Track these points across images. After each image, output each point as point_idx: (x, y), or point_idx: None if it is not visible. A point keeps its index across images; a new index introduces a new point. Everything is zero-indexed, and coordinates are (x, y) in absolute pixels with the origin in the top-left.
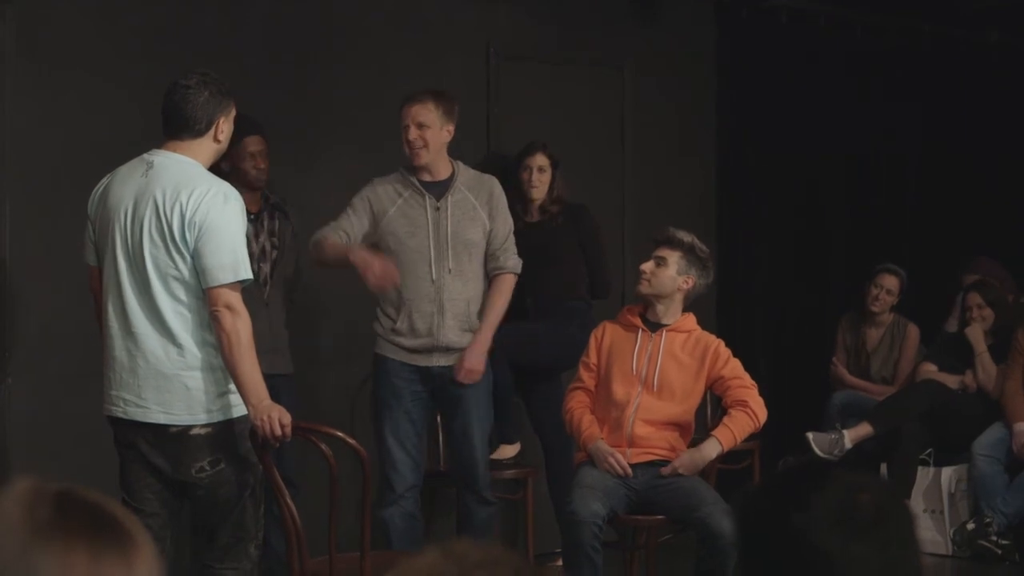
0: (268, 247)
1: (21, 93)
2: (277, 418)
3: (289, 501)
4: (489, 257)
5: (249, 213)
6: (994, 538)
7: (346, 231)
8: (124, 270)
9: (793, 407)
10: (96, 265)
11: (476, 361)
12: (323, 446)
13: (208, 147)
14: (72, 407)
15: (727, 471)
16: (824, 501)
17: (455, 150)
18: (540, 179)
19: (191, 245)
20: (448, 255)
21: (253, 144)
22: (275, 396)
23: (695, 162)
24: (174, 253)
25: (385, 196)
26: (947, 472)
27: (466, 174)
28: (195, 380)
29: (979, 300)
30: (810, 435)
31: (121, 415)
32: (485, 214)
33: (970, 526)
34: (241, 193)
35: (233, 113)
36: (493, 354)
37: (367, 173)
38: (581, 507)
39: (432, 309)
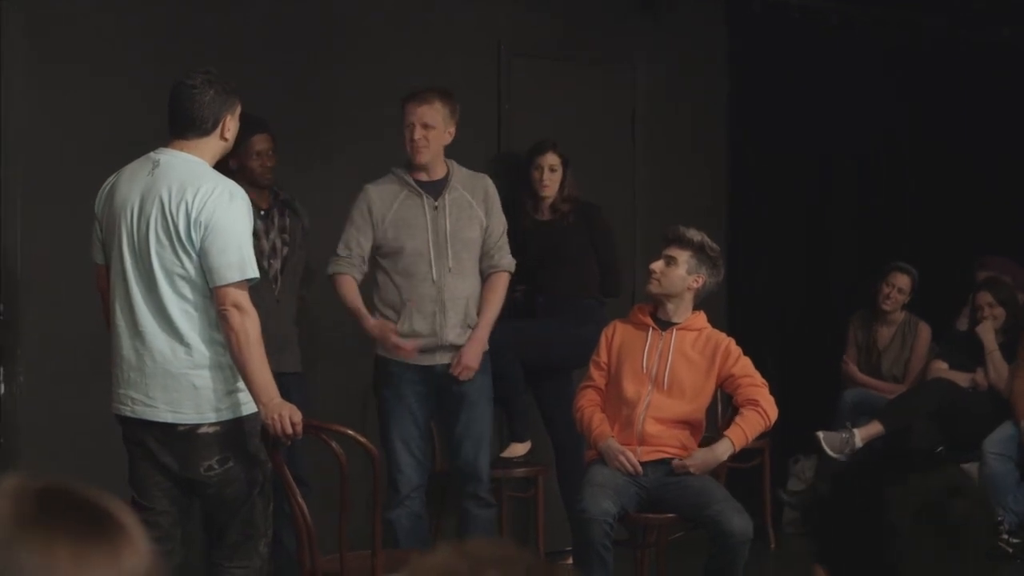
0: (278, 244)
1: (29, 91)
2: (288, 416)
3: (300, 499)
4: (483, 255)
5: (259, 210)
6: (1005, 536)
7: (356, 263)
8: (130, 269)
9: (804, 405)
10: (103, 264)
11: (472, 358)
12: (334, 444)
13: (215, 145)
14: (81, 405)
15: (737, 469)
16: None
17: (467, 148)
18: (551, 178)
19: (197, 244)
20: (448, 254)
21: (260, 142)
22: (285, 394)
23: (706, 159)
24: (180, 252)
25: (381, 200)
26: None
27: (460, 173)
28: (203, 379)
29: (990, 299)
30: (820, 434)
31: (129, 414)
32: (482, 212)
33: None
34: (249, 191)
35: (239, 111)
36: (498, 354)
37: (371, 172)
38: (592, 505)
39: (434, 309)
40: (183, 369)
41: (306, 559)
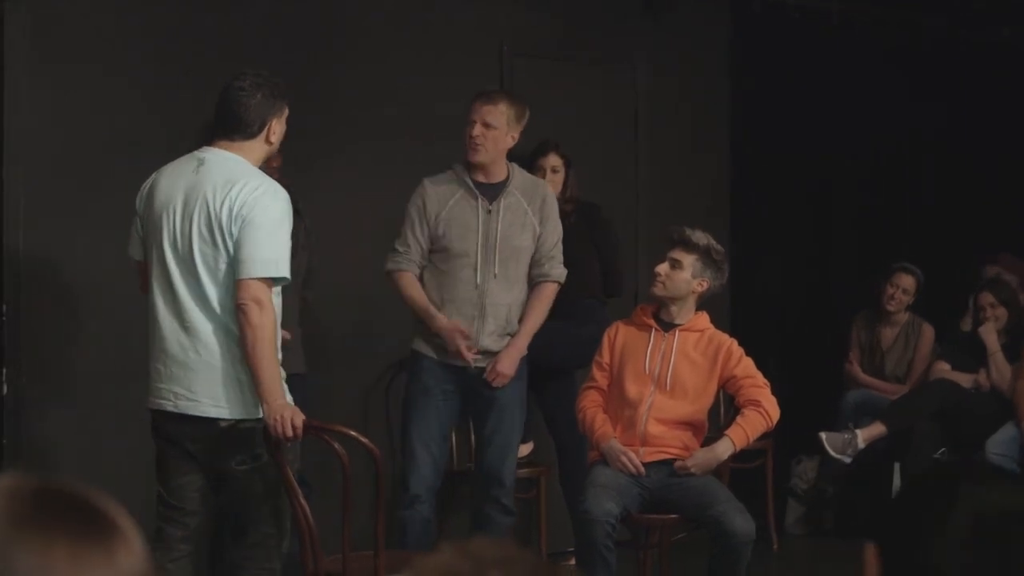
0: None
1: (30, 91)
2: (290, 418)
3: (302, 500)
4: (534, 263)
5: None
6: None
7: (416, 259)
8: (174, 265)
9: (806, 406)
10: (141, 259)
11: (508, 366)
12: (337, 445)
13: (259, 148)
14: (81, 405)
15: (739, 470)
16: (1002, 489)
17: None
18: (553, 179)
19: (236, 237)
20: (494, 260)
21: None
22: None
23: (708, 159)
24: (222, 248)
25: (437, 197)
26: None
27: (520, 177)
28: (248, 374)
29: (992, 299)
30: (823, 435)
31: (172, 408)
32: (537, 220)
33: None
34: None
35: (286, 114)
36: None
37: (375, 172)
38: (594, 506)
39: (474, 313)
40: (230, 364)
41: (309, 560)
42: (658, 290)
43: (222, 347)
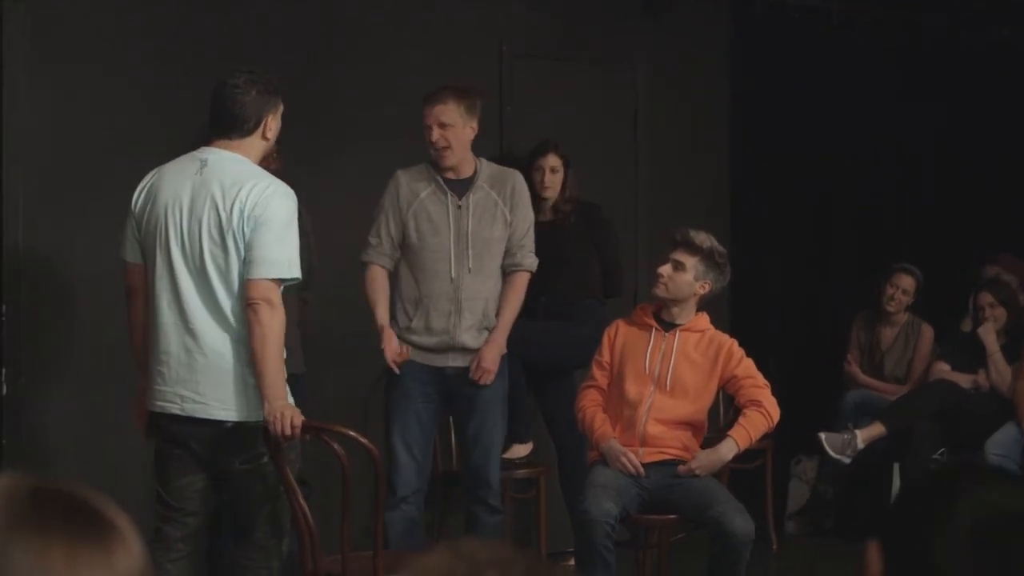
0: None
1: (30, 91)
2: (290, 417)
3: (301, 500)
4: (506, 253)
5: None
6: None
7: (387, 251)
8: (180, 266)
9: (806, 406)
10: (135, 261)
11: (491, 361)
12: (336, 445)
13: (257, 145)
14: (81, 405)
15: (739, 470)
16: (1004, 489)
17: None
18: (552, 179)
19: (248, 237)
20: (468, 254)
21: None
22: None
23: (708, 159)
24: (231, 249)
25: (409, 189)
26: None
27: (488, 170)
28: (254, 376)
29: (991, 299)
30: (822, 435)
31: (178, 411)
32: (507, 209)
33: None
34: None
35: (281, 110)
36: (505, 357)
37: (375, 172)
38: (594, 506)
39: (450, 308)
40: (237, 365)
41: (308, 560)
42: (660, 291)
43: (229, 349)
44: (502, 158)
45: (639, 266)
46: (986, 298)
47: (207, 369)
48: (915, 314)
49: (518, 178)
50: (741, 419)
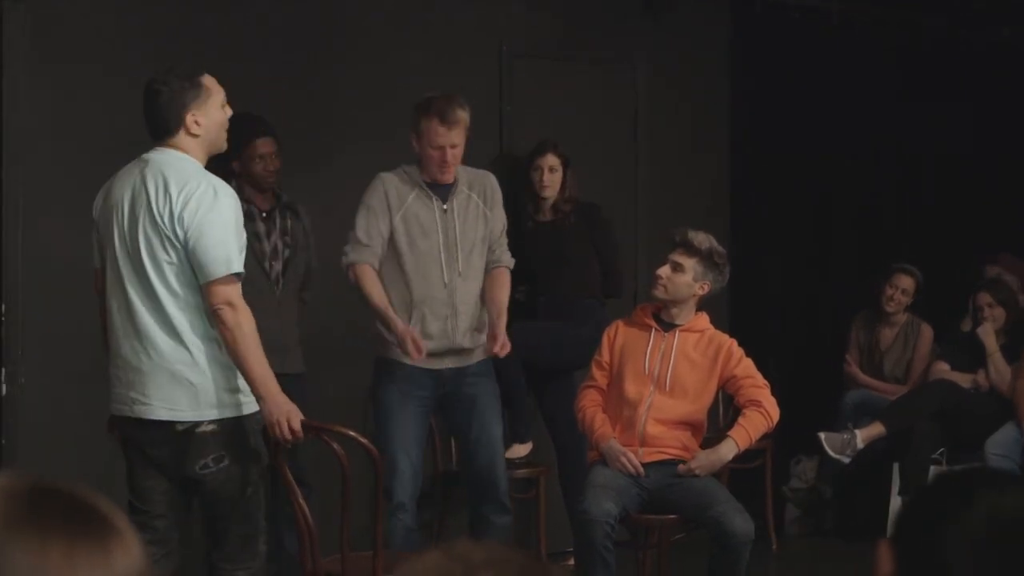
0: (280, 246)
1: (30, 91)
2: (286, 423)
3: (301, 501)
4: (487, 251)
5: (260, 212)
6: None
7: (378, 252)
8: (125, 268)
9: (805, 406)
10: (100, 267)
11: (504, 337)
12: (336, 446)
13: (189, 142)
14: (81, 405)
15: (739, 470)
16: (1017, 492)
17: (468, 149)
18: (551, 179)
19: (183, 240)
20: (458, 257)
21: (264, 146)
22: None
23: (708, 159)
24: (168, 247)
25: (397, 192)
26: None
27: (465, 173)
28: (201, 376)
29: (989, 299)
30: (822, 435)
31: (128, 413)
32: (488, 209)
33: None
34: (251, 193)
35: (210, 100)
36: (505, 357)
37: (374, 172)
38: (593, 506)
39: (447, 312)
40: (181, 366)
41: (308, 560)
42: (659, 293)
43: (170, 349)
44: (502, 158)
45: (639, 266)
46: (985, 298)
47: (152, 371)
48: (914, 314)
49: (492, 178)
50: (741, 419)
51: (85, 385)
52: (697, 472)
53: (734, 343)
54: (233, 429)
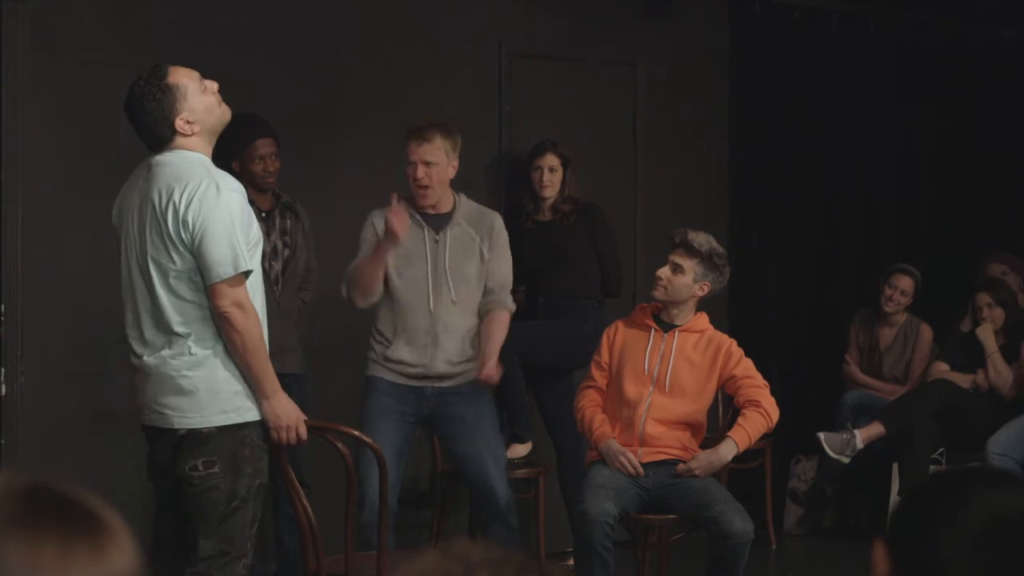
0: (280, 246)
1: (34, 89)
2: (294, 429)
3: (304, 500)
4: (488, 292)
5: (260, 212)
6: None
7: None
8: (136, 275)
9: (805, 407)
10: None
11: (494, 367)
12: (340, 445)
13: (189, 141)
14: (81, 405)
15: (738, 470)
16: (1016, 491)
17: (468, 150)
18: (551, 179)
19: (188, 243)
20: (448, 287)
21: (264, 147)
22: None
23: (708, 160)
24: (172, 252)
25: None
26: None
27: (467, 207)
28: (201, 381)
29: (989, 299)
30: (821, 435)
31: (147, 423)
32: (486, 247)
33: None
34: (250, 193)
35: (188, 94)
36: (501, 358)
37: (375, 172)
38: (593, 506)
39: (426, 341)
40: (186, 372)
41: (311, 560)
42: (659, 294)
43: (177, 357)
44: (502, 158)
45: (638, 266)
46: (984, 298)
47: (160, 378)
48: (914, 314)
49: (497, 219)
50: (740, 419)
51: (85, 385)
52: (696, 472)
53: (733, 343)
54: (228, 437)
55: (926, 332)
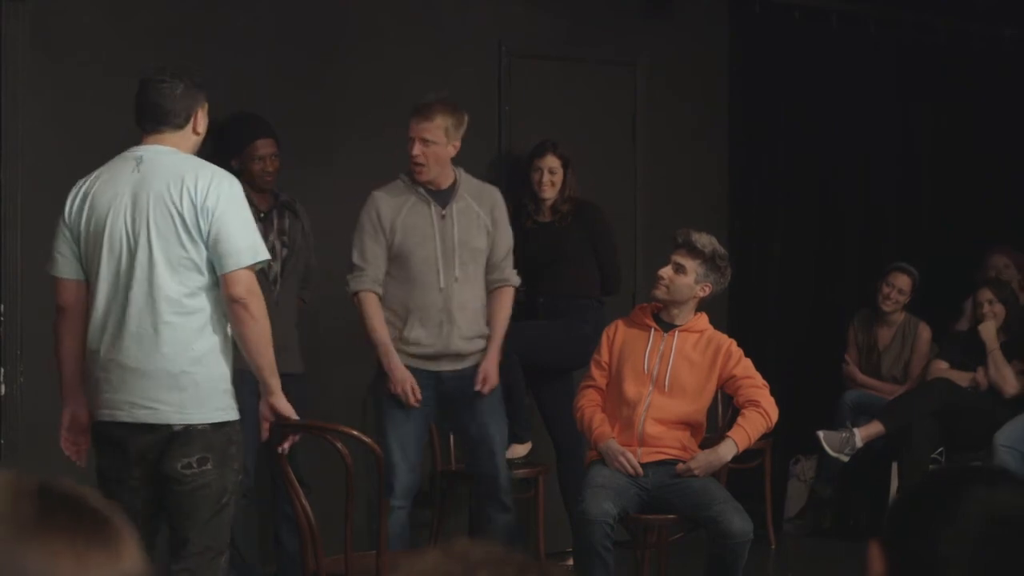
0: (278, 246)
1: (34, 89)
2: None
3: (304, 500)
4: (491, 268)
5: (259, 212)
6: None
7: (378, 276)
8: (124, 268)
9: (804, 406)
10: (70, 278)
11: (494, 371)
12: (339, 445)
13: (188, 139)
14: None
15: (738, 470)
16: (1013, 489)
17: (468, 149)
18: (551, 180)
19: (207, 231)
20: (455, 263)
21: (264, 147)
22: (285, 394)
23: (708, 160)
24: (187, 242)
25: (390, 206)
26: None
27: (469, 183)
28: (198, 377)
29: (990, 296)
30: (821, 434)
31: (127, 419)
32: (489, 222)
33: None
34: (249, 193)
35: (207, 106)
36: (505, 355)
37: (372, 173)
38: (592, 506)
39: (441, 318)
40: (186, 368)
41: (310, 560)
42: (660, 294)
43: (177, 351)
44: (502, 158)
45: (638, 266)
46: (985, 295)
47: (157, 374)
48: (912, 313)
49: (498, 195)
50: (740, 419)
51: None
52: (696, 472)
53: (733, 343)
54: (222, 433)
55: (924, 331)
